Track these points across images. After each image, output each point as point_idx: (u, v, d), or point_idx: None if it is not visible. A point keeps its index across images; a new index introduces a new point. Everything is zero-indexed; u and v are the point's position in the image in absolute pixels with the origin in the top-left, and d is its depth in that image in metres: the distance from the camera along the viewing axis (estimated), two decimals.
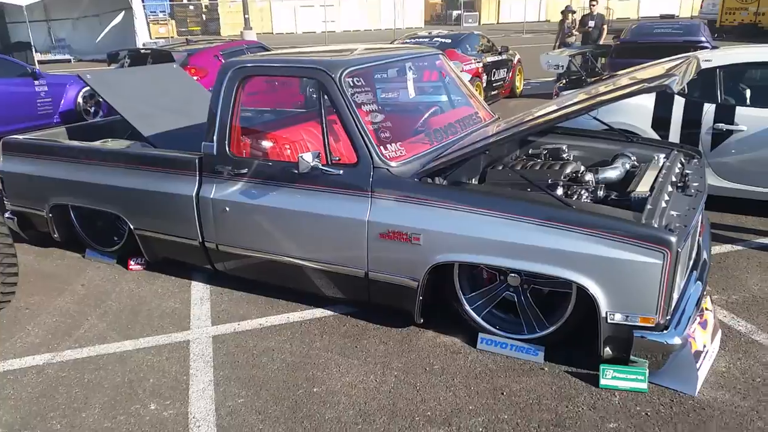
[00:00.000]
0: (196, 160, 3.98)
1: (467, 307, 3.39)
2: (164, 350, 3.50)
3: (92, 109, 11.00)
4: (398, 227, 3.30)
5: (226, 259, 4.07)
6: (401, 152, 3.56)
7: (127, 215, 4.33)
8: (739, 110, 5.02)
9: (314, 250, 3.65)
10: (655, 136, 5.31)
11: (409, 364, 3.24)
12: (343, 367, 3.25)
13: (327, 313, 3.82)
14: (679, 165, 3.87)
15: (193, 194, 3.98)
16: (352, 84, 3.60)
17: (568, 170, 3.72)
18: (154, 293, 4.20)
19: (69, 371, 3.32)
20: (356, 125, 3.46)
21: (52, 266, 4.70)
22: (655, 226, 2.87)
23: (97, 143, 4.79)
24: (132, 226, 4.34)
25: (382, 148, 3.48)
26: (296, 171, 3.54)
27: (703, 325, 3.08)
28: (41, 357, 3.47)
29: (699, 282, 3.30)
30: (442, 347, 3.37)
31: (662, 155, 3.94)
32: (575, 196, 3.43)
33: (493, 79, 11.19)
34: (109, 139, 5.07)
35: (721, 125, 5.08)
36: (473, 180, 3.81)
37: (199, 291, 4.22)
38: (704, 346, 3.02)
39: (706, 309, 3.19)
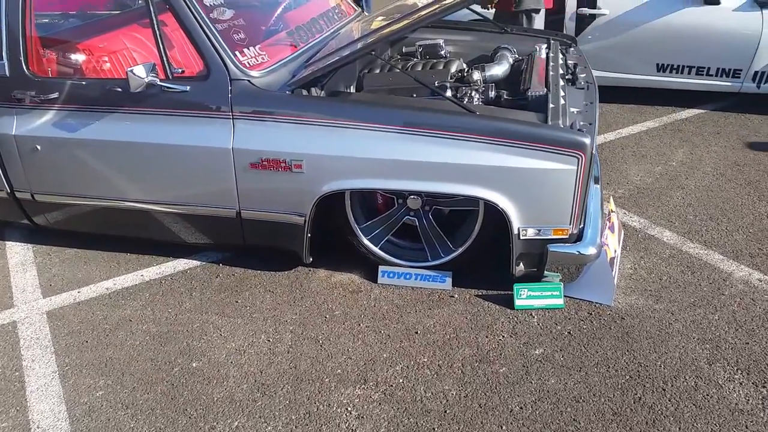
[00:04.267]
0: None
1: (363, 239, 2.93)
2: None
3: None
4: (273, 154, 2.69)
5: (48, 210, 3.20)
6: (263, 58, 2.88)
7: None
8: None
9: (164, 191, 2.94)
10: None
11: (304, 314, 2.76)
12: (224, 330, 2.69)
13: (191, 263, 3.17)
14: (561, 56, 3.59)
15: None
16: None
17: (453, 69, 3.29)
18: None
19: None
20: (200, 25, 2.70)
21: None
22: (562, 127, 2.57)
23: None
24: None
25: (237, 53, 2.77)
26: (126, 90, 2.72)
27: (612, 228, 2.92)
28: None
29: (597, 185, 3.12)
30: (339, 288, 2.93)
31: (543, 46, 3.63)
32: (465, 99, 3.03)
33: None
34: None
35: (585, 10, 4.92)
36: (350, 88, 3.25)
37: (18, 254, 3.33)
38: (615, 251, 2.88)
39: (612, 211, 3.04)
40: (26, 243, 3.41)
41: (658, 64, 4.89)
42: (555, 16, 5.05)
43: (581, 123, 2.67)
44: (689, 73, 4.84)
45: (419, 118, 2.60)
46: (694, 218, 3.41)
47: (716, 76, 4.78)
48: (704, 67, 4.79)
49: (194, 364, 2.50)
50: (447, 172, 2.59)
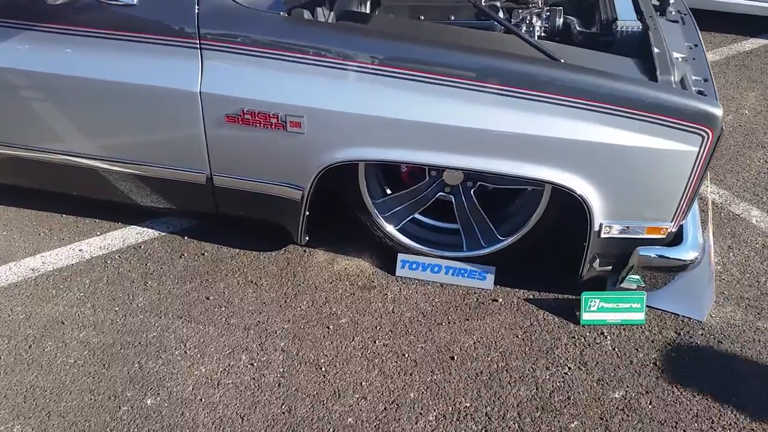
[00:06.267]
0: None
1: (379, 219, 2.18)
2: None
3: None
4: (260, 104, 1.87)
5: None
6: None
7: None
8: None
9: (102, 143, 2.13)
10: None
11: (300, 322, 2.06)
12: (191, 344, 1.98)
13: (146, 233, 2.40)
14: None
15: None
16: None
17: None
18: None
19: None
20: None
21: None
22: (683, 90, 1.81)
23: None
24: None
25: None
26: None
27: (711, 219, 2.22)
28: None
29: None
30: (345, 280, 2.21)
31: None
32: (523, 27, 2.22)
33: None
34: None
35: None
36: (365, 4, 2.36)
37: None
38: (713, 248, 2.20)
39: (709, 192, 2.33)
40: None
41: None
42: None
43: (693, 78, 1.91)
44: None
45: (473, 64, 1.79)
46: None
47: None
48: None
49: (149, 401, 1.80)
50: (509, 145, 1.83)
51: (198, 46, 1.87)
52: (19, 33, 1.99)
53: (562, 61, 1.80)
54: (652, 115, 1.74)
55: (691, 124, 1.73)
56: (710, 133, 1.74)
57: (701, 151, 1.76)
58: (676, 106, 1.73)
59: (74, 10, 1.90)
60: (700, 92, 1.82)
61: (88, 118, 2.08)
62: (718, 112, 1.73)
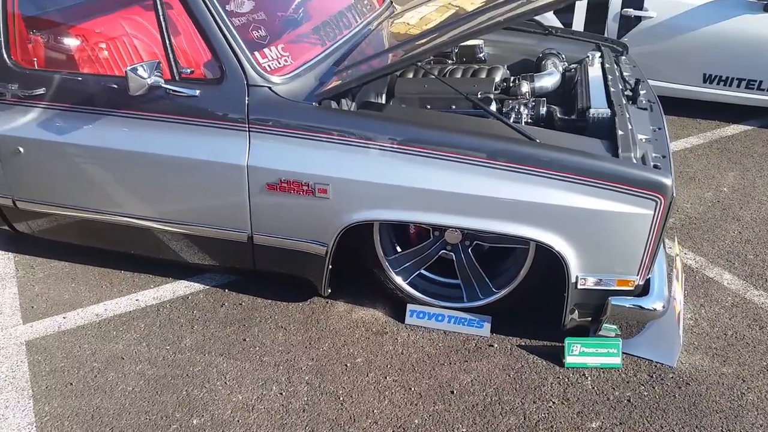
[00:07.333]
0: None
1: (391, 273, 2.56)
2: None
3: None
4: (295, 175, 2.31)
5: (31, 218, 2.82)
6: (286, 60, 2.49)
7: None
8: None
9: (164, 207, 2.57)
10: (556, 23, 4.62)
11: (322, 360, 2.40)
12: (230, 377, 2.33)
13: (193, 287, 2.80)
14: (617, 66, 3.20)
15: None
16: None
17: (498, 78, 2.90)
18: None
19: None
20: (216, 22, 2.30)
21: None
22: (638, 163, 2.20)
23: None
24: None
25: (257, 54, 2.39)
26: (125, 91, 2.33)
27: (677, 276, 2.56)
28: None
29: None
30: (362, 327, 2.57)
31: (597, 54, 3.22)
32: (512, 116, 2.65)
33: None
34: None
35: (630, 10, 4.50)
36: (381, 96, 2.85)
37: None
38: (681, 304, 2.52)
39: (677, 255, 2.68)
40: (7, 251, 3.03)
41: (705, 75, 4.50)
42: (596, 14, 4.64)
43: (653, 155, 2.31)
44: (738, 86, 4.46)
45: (468, 143, 2.21)
46: (754, 258, 3.05)
47: None
48: (755, 81, 4.40)
49: (195, 421, 2.14)
50: (497, 208, 2.22)
51: (247, 129, 2.34)
52: (101, 118, 2.49)
53: (538, 141, 2.22)
54: (614, 184, 2.13)
55: (645, 192, 2.11)
56: (662, 199, 2.11)
57: (656, 214, 2.13)
58: (633, 177, 2.12)
59: (148, 99, 2.38)
60: (656, 166, 2.21)
61: (153, 186, 2.53)
62: (668, 181, 2.11)
